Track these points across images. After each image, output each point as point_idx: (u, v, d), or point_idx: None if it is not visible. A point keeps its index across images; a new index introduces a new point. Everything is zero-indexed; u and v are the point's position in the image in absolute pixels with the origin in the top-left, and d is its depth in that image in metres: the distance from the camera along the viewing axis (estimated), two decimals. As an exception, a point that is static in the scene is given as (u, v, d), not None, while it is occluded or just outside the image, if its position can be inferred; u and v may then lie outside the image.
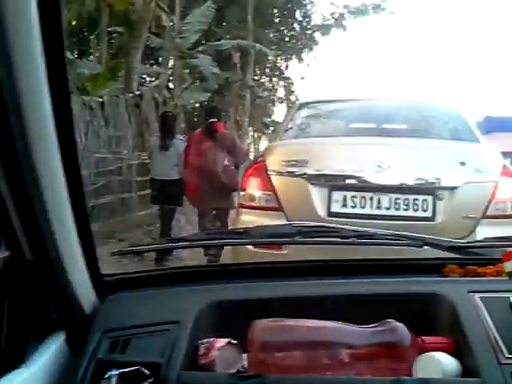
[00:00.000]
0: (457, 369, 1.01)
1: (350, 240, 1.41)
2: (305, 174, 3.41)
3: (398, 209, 3.30)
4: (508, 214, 3.32)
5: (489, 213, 3.29)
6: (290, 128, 4.23)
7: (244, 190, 3.65)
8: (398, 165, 3.34)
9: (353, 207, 3.35)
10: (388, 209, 3.31)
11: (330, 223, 2.79)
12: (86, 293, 1.12)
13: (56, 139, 0.87)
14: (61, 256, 0.97)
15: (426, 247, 1.42)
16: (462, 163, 3.34)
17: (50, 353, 1.00)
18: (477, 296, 1.14)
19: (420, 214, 3.29)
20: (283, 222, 3.19)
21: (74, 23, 13.18)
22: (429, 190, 3.32)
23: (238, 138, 14.31)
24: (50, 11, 0.78)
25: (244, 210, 3.62)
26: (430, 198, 3.29)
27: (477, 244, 1.54)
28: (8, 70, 0.73)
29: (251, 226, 3.31)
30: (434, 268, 1.35)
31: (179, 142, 6.68)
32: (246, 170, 3.88)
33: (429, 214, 3.28)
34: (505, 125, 19.54)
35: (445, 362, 1.00)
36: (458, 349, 1.05)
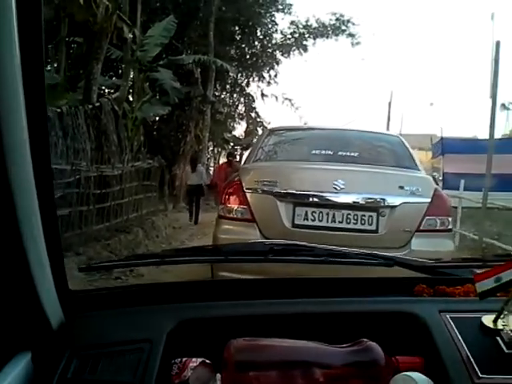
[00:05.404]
0: (432, 389, 1.01)
1: (322, 258, 1.41)
2: (274, 192, 4.01)
3: (349, 222, 3.94)
4: (437, 228, 4.00)
5: (421, 228, 3.96)
6: (262, 151, 4.93)
7: (223, 203, 4.20)
8: (350, 187, 3.97)
9: (312, 220, 3.96)
10: (341, 222, 3.95)
11: (294, 233, 3.80)
12: (53, 309, 1.07)
13: (29, 152, 0.85)
14: (29, 270, 0.93)
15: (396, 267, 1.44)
16: (401, 187, 4.01)
17: (14, 374, 0.95)
18: (448, 316, 1.16)
19: (366, 227, 3.94)
20: (255, 231, 3.94)
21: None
22: (374, 208, 3.96)
23: (199, 153, 19.61)
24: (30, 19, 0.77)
25: (223, 220, 4.17)
26: (374, 215, 3.94)
27: (444, 264, 1.57)
28: None
29: (229, 233, 3.93)
30: (404, 287, 1.36)
31: (200, 167, 14.95)
32: (225, 187, 4.48)
33: (373, 227, 3.93)
34: (459, 146, 20.11)
35: (420, 381, 1.00)
36: (432, 368, 1.06)
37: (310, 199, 4.00)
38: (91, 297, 1.32)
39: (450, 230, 4.16)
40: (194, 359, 1.07)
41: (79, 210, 8.38)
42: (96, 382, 0.98)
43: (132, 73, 14.96)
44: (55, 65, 14.14)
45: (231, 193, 4.18)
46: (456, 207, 11.75)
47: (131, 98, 15.41)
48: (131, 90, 15.60)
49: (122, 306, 1.24)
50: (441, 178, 21.20)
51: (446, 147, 20.88)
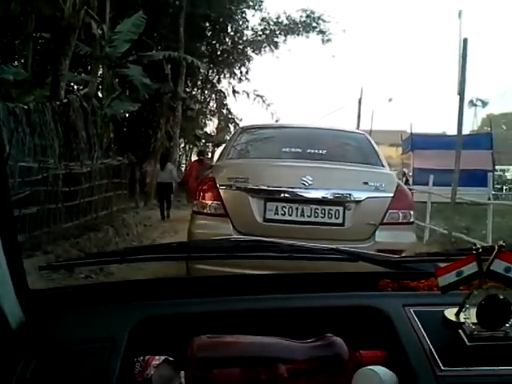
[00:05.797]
0: (394, 382, 1.02)
1: (287, 254, 1.41)
2: (246, 188, 4.19)
3: (316, 216, 4.15)
4: (399, 221, 4.23)
5: (385, 221, 4.17)
6: (235, 149, 5.11)
7: (197, 199, 4.36)
8: (318, 183, 4.17)
9: (283, 215, 4.16)
10: (309, 216, 4.15)
11: (265, 227, 4.03)
12: (12, 309, 1.05)
13: None
14: None
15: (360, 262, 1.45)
16: (366, 183, 4.22)
17: None
18: (411, 310, 1.17)
19: (333, 220, 4.15)
20: (229, 225, 4.11)
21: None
22: (340, 202, 4.16)
23: (170, 150, 19.88)
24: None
25: (197, 215, 4.33)
26: (341, 209, 4.15)
27: (409, 259, 1.58)
28: None
29: (203, 228, 4.07)
30: (369, 282, 1.37)
31: (170, 165, 15.30)
32: (199, 184, 4.69)
33: (340, 220, 4.15)
34: (428, 142, 20.41)
35: (383, 375, 1.01)
36: (395, 362, 1.07)
37: (281, 195, 4.19)
38: (54, 296, 1.29)
39: (411, 223, 4.40)
40: (156, 357, 1.06)
41: (47, 208, 8.25)
42: (56, 382, 0.96)
43: (101, 69, 14.77)
44: (22, 61, 13.88)
45: (205, 189, 4.34)
46: (425, 202, 11.92)
47: (100, 95, 15.21)
48: (100, 87, 15.40)
49: (86, 305, 1.22)
50: (411, 174, 21.57)
51: (415, 143, 21.21)
